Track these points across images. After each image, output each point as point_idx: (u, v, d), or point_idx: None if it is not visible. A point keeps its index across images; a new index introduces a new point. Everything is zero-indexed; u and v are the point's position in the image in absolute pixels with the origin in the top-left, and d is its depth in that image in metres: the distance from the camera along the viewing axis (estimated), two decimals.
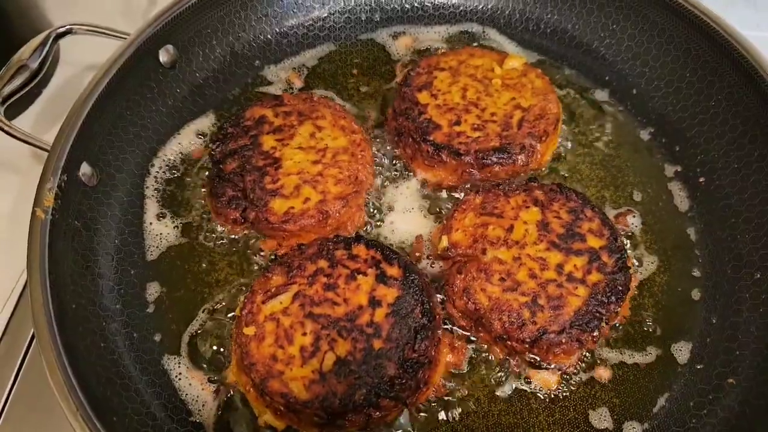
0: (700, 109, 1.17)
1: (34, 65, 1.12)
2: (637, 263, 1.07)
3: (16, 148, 1.20)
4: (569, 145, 1.18)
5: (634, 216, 1.11)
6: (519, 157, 1.10)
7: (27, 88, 1.12)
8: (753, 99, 1.09)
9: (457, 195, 1.12)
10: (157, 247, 1.07)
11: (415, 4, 1.35)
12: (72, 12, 1.50)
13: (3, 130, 1.04)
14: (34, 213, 0.93)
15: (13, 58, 1.12)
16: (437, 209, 1.11)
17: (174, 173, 1.15)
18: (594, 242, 1.01)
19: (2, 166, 1.28)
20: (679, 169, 1.15)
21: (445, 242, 1.03)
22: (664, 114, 1.20)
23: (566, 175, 1.15)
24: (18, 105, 1.19)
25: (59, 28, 1.15)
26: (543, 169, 1.15)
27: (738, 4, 1.18)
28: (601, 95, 1.24)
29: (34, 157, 1.25)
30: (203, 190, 1.12)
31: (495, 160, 1.09)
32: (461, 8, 1.34)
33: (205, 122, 1.22)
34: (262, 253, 1.07)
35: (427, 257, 1.06)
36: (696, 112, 1.17)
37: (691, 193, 1.13)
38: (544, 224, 1.03)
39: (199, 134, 1.20)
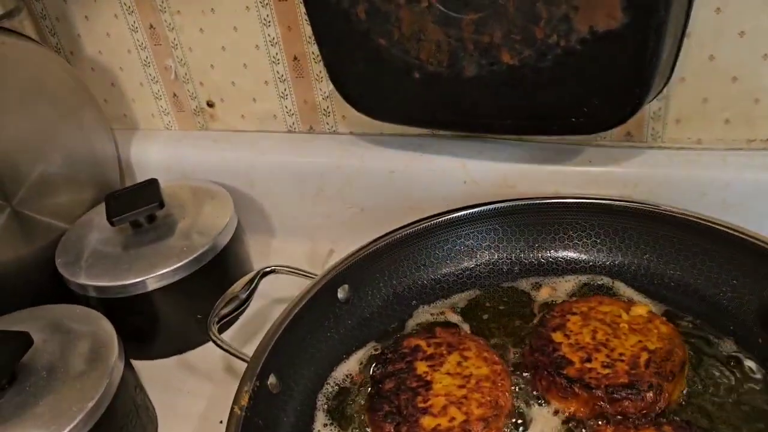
0: None
1: (243, 296, 1.43)
2: None
3: (213, 362, 1.48)
4: (698, 387, 1.27)
5: None
6: (647, 394, 1.20)
7: (234, 314, 1.42)
8: None
9: (589, 425, 1.22)
10: None
11: (550, 259, 1.57)
12: (269, 259, 1.87)
13: (215, 343, 1.32)
14: (232, 409, 1.15)
15: (228, 291, 1.44)
16: None
17: (340, 390, 1.35)
18: None
19: (200, 375, 1.55)
20: None
21: None
22: None
23: (694, 414, 1.22)
24: (221, 327, 1.50)
25: (266, 268, 1.48)
26: (671, 407, 1.23)
27: None
28: (727, 343, 1.34)
29: (227, 370, 1.52)
30: (363, 404, 1.31)
31: (624, 395, 1.20)
32: (591, 263, 1.55)
33: (367, 351, 1.44)
34: None
35: None
36: None
37: None
38: None
39: (361, 362, 1.42)
